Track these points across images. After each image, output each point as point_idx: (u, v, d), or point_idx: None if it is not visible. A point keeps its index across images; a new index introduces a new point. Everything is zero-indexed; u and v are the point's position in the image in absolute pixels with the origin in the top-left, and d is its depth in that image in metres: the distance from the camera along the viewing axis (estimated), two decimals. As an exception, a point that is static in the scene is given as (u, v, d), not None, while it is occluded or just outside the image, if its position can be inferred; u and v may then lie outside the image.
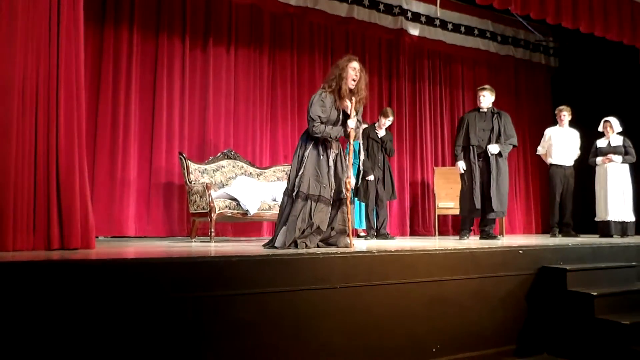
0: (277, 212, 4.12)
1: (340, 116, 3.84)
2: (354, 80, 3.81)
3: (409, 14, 7.79)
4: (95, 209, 4.84)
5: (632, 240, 5.46)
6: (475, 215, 5.47)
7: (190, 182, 5.65)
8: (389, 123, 6.16)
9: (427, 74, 8.35)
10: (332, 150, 3.84)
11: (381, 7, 7.60)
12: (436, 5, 7.08)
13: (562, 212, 6.63)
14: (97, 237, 4.32)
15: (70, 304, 2.31)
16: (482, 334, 3.58)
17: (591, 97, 8.33)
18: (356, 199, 6.09)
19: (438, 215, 7.54)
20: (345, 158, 3.94)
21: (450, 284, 3.50)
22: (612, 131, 6.48)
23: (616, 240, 5.59)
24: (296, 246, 3.55)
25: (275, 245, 3.67)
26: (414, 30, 7.84)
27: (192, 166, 5.77)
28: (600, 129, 6.61)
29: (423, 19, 7.92)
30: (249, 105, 6.79)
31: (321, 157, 3.77)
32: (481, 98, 5.60)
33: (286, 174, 6.18)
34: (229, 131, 6.64)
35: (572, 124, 6.78)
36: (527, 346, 3.80)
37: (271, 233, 6.45)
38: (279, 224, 3.78)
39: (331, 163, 3.81)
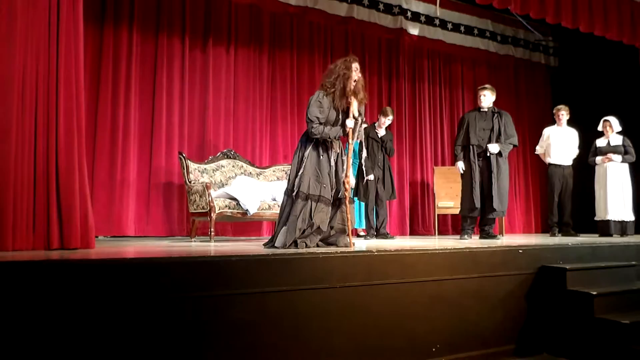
0: (277, 211, 4.13)
1: (340, 116, 3.84)
2: (355, 80, 3.80)
3: (409, 14, 7.79)
4: (94, 209, 4.85)
5: (632, 239, 5.46)
6: (475, 215, 5.46)
7: (190, 182, 5.65)
8: (389, 122, 6.15)
9: (426, 73, 8.35)
10: (332, 151, 3.84)
11: (381, 6, 7.60)
12: (436, 4, 7.10)
13: (561, 211, 6.63)
14: (96, 236, 4.33)
15: (69, 304, 2.31)
16: (482, 333, 3.59)
17: (591, 96, 8.33)
18: (356, 198, 6.09)
19: (438, 215, 7.54)
20: (344, 158, 3.94)
21: (449, 283, 3.50)
22: (612, 130, 6.48)
23: (616, 239, 5.59)
24: (296, 246, 3.55)
25: (276, 245, 3.67)
26: (414, 30, 7.84)
27: (192, 166, 5.77)
28: (599, 128, 6.61)
29: (423, 18, 7.92)
30: (249, 105, 6.79)
31: (321, 157, 3.77)
32: (482, 97, 5.59)
33: (286, 173, 6.18)
34: (229, 131, 6.64)
35: (570, 123, 6.78)
36: (526, 346, 3.80)
37: (271, 232, 6.45)
38: (279, 224, 3.79)
39: (332, 163, 3.81)
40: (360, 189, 5.90)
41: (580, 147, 6.77)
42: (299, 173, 3.73)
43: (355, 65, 3.83)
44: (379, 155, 6.02)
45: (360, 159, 5.94)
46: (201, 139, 6.48)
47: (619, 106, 7.34)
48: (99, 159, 5.83)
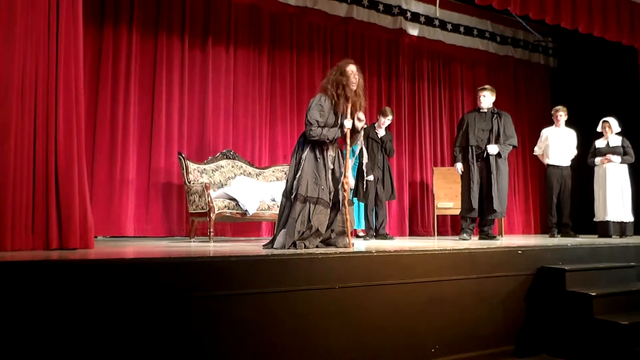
0: (276, 212, 4.13)
1: (339, 120, 3.84)
2: (354, 84, 3.80)
3: (409, 14, 7.79)
4: (94, 209, 4.84)
5: (631, 240, 5.46)
6: (474, 215, 5.46)
7: (189, 182, 5.65)
8: (388, 122, 6.15)
9: (426, 74, 8.35)
10: (329, 153, 3.83)
11: (380, 7, 7.60)
12: (435, 5, 7.10)
13: (560, 212, 6.63)
14: (96, 237, 4.32)
15: (69, 304, 2.31)
16: (481, 334, 3.58)
17: (590, 97, 8.34)
18: (355, 199, 6.09)
19: (437, 216, 7.54)
20: (342, 160, 3.93)
21: (449, 284, 3.50)
22: (611, 131, 6.48)
23: (615, 240, 5.59)
24: (295, 248, 3.54)
25: (275, 247, 3.67)
26: (413, 31, 7.84)
27: (191, 166, 5.76)
28: (599, 129, 6.61)
29: (422, 19, 7.92)
30: (248, 105, 6.79)
31: (318, 159, 3.76)
32: (481, 98, 5.59)
33: (285, 174, 6.18)
34: (228, 131, 6.64)
35: (569, 123, 6.79)
36: (526, 346, 3.80)
37: (270, 233, 6.45)
38: (279, 227, 3.78)
39: (329, 165, 3.80)
40: (360, 190, 5.90)
41: (578, 147, 6.78)
42: (297, 175, 3.72)
43: (351, 69, 3.80)
44: (378, 156, 6.02)
45: (360, 158, 5.94)
46: (200, 139, 6.48)
47: (618, 107, 7.34)
48: (99, 159, 5.83)
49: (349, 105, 3.80)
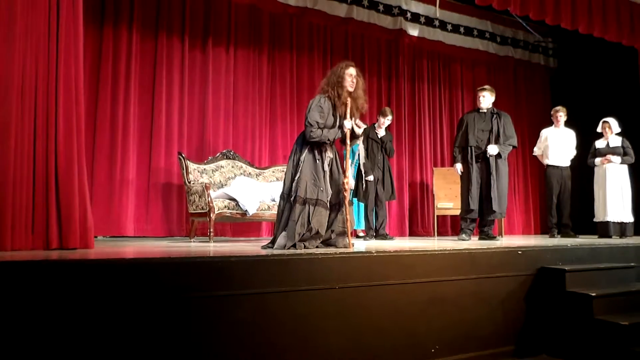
0: (276, 212, 4.11)
1: (338, 121, 3.84)
2: (350, 86, 3.79)
3: (409, 15, 7.79)
4: (94, 209, 4.84)
5: (631, 241, 5.46)
6: (473, 216, 5.46)
7: (189, 182, 5.65)
8: (388, 122, 6.15)
9: (426, 74, 8.35)
10: (327, 154, 3.83)
11: (380, 7, 7.59)
12: (435, 5, 7.09)
13: (560, 212, 6.64)
14: (95, 237, 4.32)
15: (68, 304, 2.30)
16: (481, 334, 3.59)
17: (590, 97, 8.34)
18: (355, 199, 6.09)
19: (437, 216, 7.54)
20: (339, 161, 3.93)
21: (449, 284, 3.50)
22: (611, 132, 6.48)
23: (615, 241, 5.59)
24: (295, 249, 3.54)
25: (275, 249, 3.66)
26: (414, 31, 7.84)
27: (191, 166, 5.76)
28: (599, 129, 6.61)
29: (422, 19, 7.92)
30: (248, 106, 6.79)
31: (317, 160, 3.76)
32: (481, 98, 5.59)
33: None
34: (228, 131, 6.64)
35: (568, 124, 6.79)
36: (526, 347, 3.80)
37: (270, 233, 6.45)
38: (278, 229, 3.76)
39: (326, 167, 3.80)
40: (360, 190, 5.90)
41: (578, 148, 6.78)
42: (296, 177, 3.71)
43: (349, 72, 3.79)
44: (378, 156, 6.02)
45: (359, 158, 5.95)
46: (200, 140, 6.48)
47: (618, 107, 7.34)
48: (99, 159, 5.83)
49: (348, 107, 3.80)
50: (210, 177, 5.85)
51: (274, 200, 5.72)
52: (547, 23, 6.37)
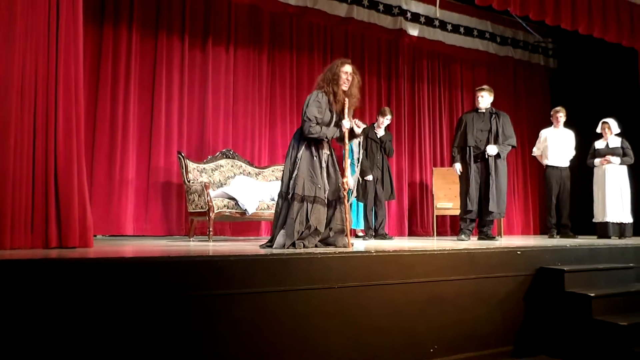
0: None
1: (334, 118, 3.84)
2: (345, 84, 3.80)
3: (409, 15, 7.79)
4: (93, 208, 4.85)
5: (630, 241, 5.47)
6: (472, 216, 5.46)
7: (189, 182, 5.65)
8: (387, 122, 6.16)
9: (426, 74, 8.36)
10: (324, 151, 3.83)
11: (380, 7, 7.60)
12: (435, 5, 7.09)
13: (559, 213, 6.64)
14: (95, 235, 4.33)
15: (68, 303, 2.31)
16: (480, 334, 3.59)
17: (590, 98, 8.34)
18: (355, 198, 6.09)
19: (436, 216, 7.55)
20: (335, 159, 3.93)
21: (448, 284, 3.50)
22: (610, 132, 6.48)
23: (614, 241, 5.60)
24: (294, 248, 3.54)
25: (274, 248, 3.66)
26: (413, 31, 7.84)
27: (191, 165, 5.77)
28: (598, 130, 6.61)
29: (422, 19, 7.92)
30: (248, 105, 6.79)
31: (314, 157, 3.76)
32: (479, 98, 5.58)
33: (285, 173, 6.17)
34: (228, 130, 6.64)
35: (567, 124, 6.79)
36: (524, 347, 3.80)
37: (269, 232, 6.44)
38: (276, 227, 3.76)
39: (323, 164, 3.80)
40: (359, 189, 5.90)
41: (577, 148, 6.78)
42: (293, 175, 3.70)
43: (345, 69, 3.80)
44: (377, 156, 6.02)
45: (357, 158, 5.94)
46: (200, 139, 6.48)
47: (617, 108, 7.35)
48: (98, 158, 5.83)
49: (347, 106, 3.80)
50: (210, 176, 5.85)
51: (273, 199, 5.72)
52: (547, 23, 6.37)
